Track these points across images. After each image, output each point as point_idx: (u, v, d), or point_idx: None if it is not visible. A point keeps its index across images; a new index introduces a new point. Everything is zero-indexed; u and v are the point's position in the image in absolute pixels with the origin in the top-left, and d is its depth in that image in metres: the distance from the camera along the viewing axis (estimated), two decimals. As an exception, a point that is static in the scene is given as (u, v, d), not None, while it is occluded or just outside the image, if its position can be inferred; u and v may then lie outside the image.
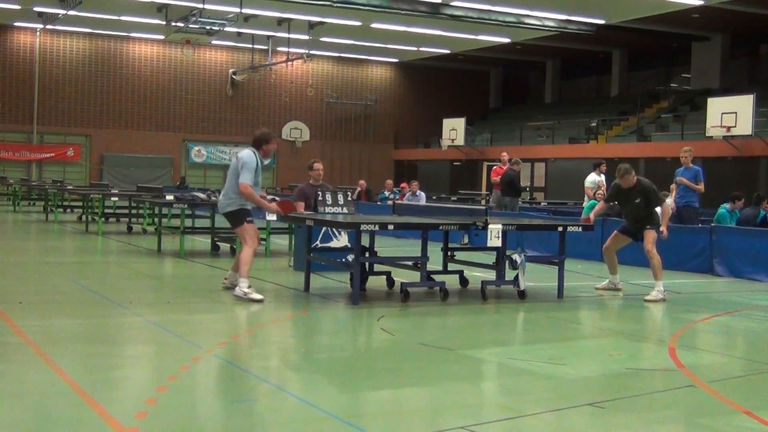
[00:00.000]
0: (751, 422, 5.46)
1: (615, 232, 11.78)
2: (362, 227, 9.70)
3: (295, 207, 10.85)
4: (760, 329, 9.51)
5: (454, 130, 38.49)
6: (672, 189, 17.00)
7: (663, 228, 11.32)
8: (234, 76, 42.06)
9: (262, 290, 10.94)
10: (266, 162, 10.53)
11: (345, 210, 12.03)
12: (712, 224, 15.32)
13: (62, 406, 5.35)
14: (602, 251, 11.86)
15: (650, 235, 11.18)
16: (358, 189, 27.09)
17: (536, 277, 12.26)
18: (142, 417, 5.07)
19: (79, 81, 39.51)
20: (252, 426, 5.14)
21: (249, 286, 9.93)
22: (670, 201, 16.94)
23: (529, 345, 8.31)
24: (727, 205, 16.29)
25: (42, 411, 5.26)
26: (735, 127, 26.80)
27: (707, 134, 27.63)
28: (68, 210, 26.21)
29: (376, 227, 9.95)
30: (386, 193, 26.14)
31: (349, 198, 12.29)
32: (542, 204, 27.81)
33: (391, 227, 10.26)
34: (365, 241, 11.37)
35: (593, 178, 19.08)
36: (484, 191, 35.11)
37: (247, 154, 10.25)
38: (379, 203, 24.22)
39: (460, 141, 38.19)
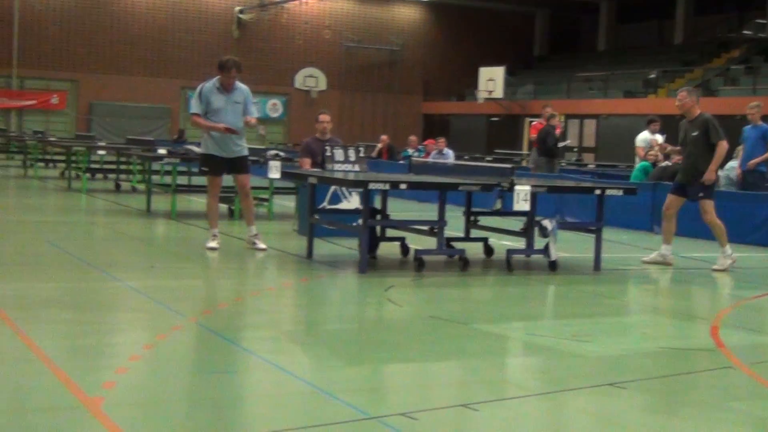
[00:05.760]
0: (791, 407, 5.59)
1: (669, 194, 11.84)
2: (371, 186, 9.85)
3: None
4: (821, 309, 9.59)
5: (492, 80, 38.41)
6: (738, 151, 16.98)
7: (710, 170, 11.24)
8: (240, 15, 42.12)
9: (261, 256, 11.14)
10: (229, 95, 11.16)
11: (356, 167, 12.18)
12: (777, 191, 15.31)
13: (21, 374, 5.56)
14: (663, 214, 11.87)
15: (708, 205, 11.26)
16: (380, 146, 27.24)
17: (573, 247, 12.37)
18: (110, 386, 5.27)
19: (65, 19, 39.71)
20: (228, 399, 5.32)
21: (212, 237, 11.20)
22: (734, 164, 16.94)
23: (553, 320, 8.47)
24: (796, 169, 16.24)
25: None
26: (815, 80, 26.61)
27: (783, 88, 27.47)
28: (50, 165, 26.53)
29: (387, 186, 10.09)
30: (410, 151, 26.25)
31: (362, 154, 12.44)
32: (589, 166, 27.80)
33: (403, 186, 10.42)
34: (377, 202, 11.53)
35: (645, 136, 19.10)
36: (525, 151, 35.11)
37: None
38: (401, 162, 24.33)
39: (499, 93, 38.11)
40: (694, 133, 11.31)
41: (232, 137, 11.08)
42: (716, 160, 11.22)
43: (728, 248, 11.33)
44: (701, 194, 11.32)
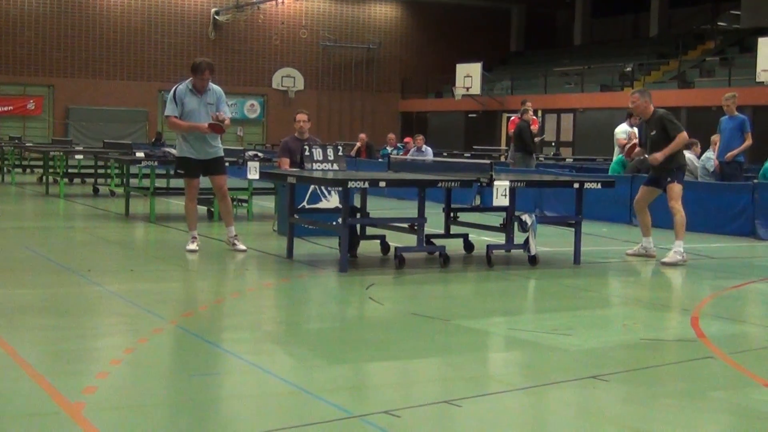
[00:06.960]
0: (771, 396, 5.61)
1: (642, 186, 11.90)
2: (350, 184, 9.84)
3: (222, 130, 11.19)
4: (800, 297, 9.64)
5: (469, 77, 38.47)
6: (713, 142, 17.07)
7: (662, 152, 11.15)
8: (217, 17, 42.01)
9: (241, 257, 11.11)
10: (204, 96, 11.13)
11: (335, 166, 12.16)
12: (756, 180, 15.39)
13: (1, 380, 5.50)
14: (634, 208, 12.00)
15: (674, 189, 11.26)
16: (358, 144, 27.22)
17: (552, 241, 12.40)
18: (91, 392, 5.24)
19: (41, 23, 39.51)
20: (210, 401, 5.31)
21: (192, 240, 11.16)
22: (711, 155, 17.04)
23: (533, 314, 8.48)
24: (774, 159, 16.35)
25: (-20, 386, 5.43)
26: (789, 70, 26.78)
27: (758, 79, 27.61)
28: (28, 170, 26.43)
29: (366, 184, 10.08)
30: (389, 149, 26.26)
31: (341, 153, 12.41)
32: (567, 160, 27.87)
33: (382, 184, 10.40)
34: (357, 201, 11.52)
35: (625, 128, 19.12)
36: (503, 146, 35.17)
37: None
38: (380, 160, 24.32)
39: (476, 90, 38.18)
40: (653, 133, 11.36)
41: (207, 139, 11.03)
42: (672, 146, 11.15)
43: (682, 245, 11.09)
44: (669, 179, 11.33)
